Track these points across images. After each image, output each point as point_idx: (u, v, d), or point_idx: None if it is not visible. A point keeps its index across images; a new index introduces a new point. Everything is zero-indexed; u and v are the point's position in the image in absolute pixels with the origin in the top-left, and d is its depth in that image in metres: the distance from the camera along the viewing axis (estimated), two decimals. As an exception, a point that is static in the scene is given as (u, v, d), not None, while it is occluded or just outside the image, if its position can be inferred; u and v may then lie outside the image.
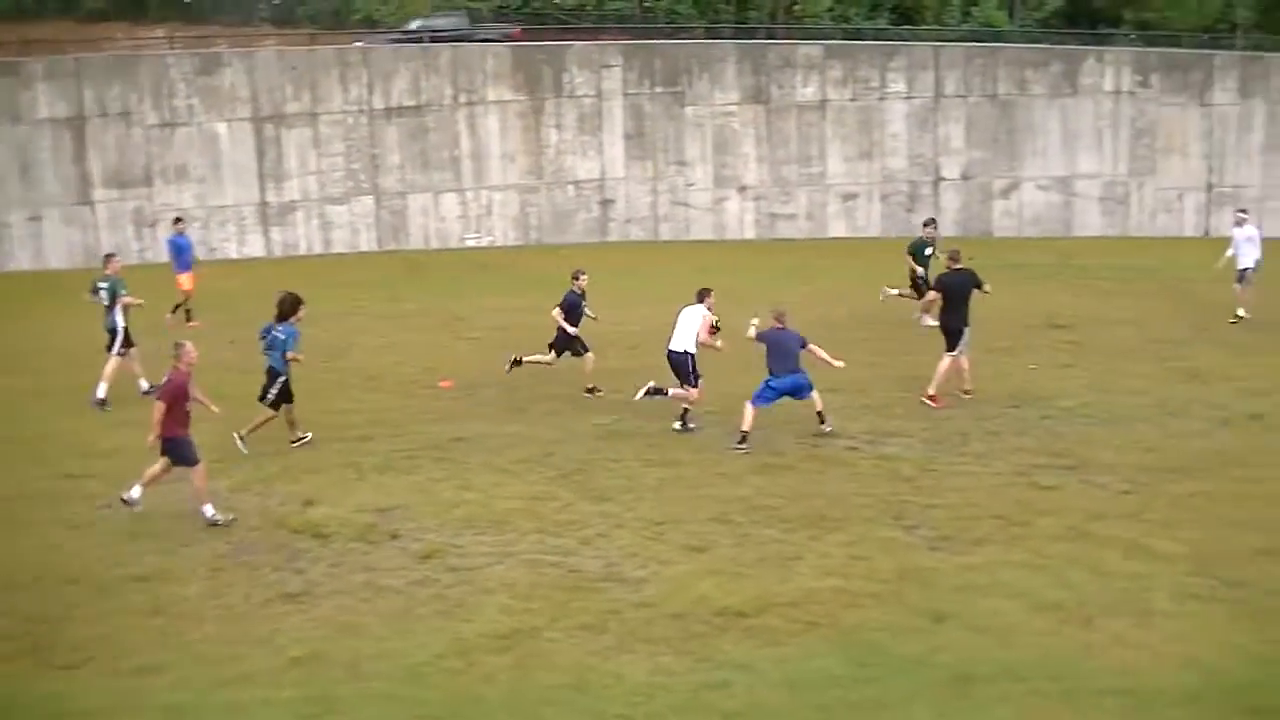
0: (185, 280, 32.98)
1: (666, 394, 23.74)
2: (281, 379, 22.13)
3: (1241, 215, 34.42)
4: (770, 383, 22.61)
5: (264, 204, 45.52)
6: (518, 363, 26.34)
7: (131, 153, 43.96)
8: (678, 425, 23.56)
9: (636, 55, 49.20)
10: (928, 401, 24.86)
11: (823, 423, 22.74)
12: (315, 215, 46.15)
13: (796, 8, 64.31)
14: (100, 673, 14.37)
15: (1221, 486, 20.23)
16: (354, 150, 46.33)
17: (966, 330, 25.14)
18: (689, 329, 23.46)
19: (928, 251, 31.64)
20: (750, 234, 49.87)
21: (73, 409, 25.10)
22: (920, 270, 31.48)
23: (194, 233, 35.51)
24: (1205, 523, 18.67)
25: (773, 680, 14.05)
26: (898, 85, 50.35)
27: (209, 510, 18.60)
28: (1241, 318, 32.47)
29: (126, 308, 25.93)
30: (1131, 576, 16.78)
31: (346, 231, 46.60)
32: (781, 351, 22.64)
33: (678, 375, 23.64)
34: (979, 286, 25.29)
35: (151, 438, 18.62)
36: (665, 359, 23.78)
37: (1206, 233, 51.43)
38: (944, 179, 50.91)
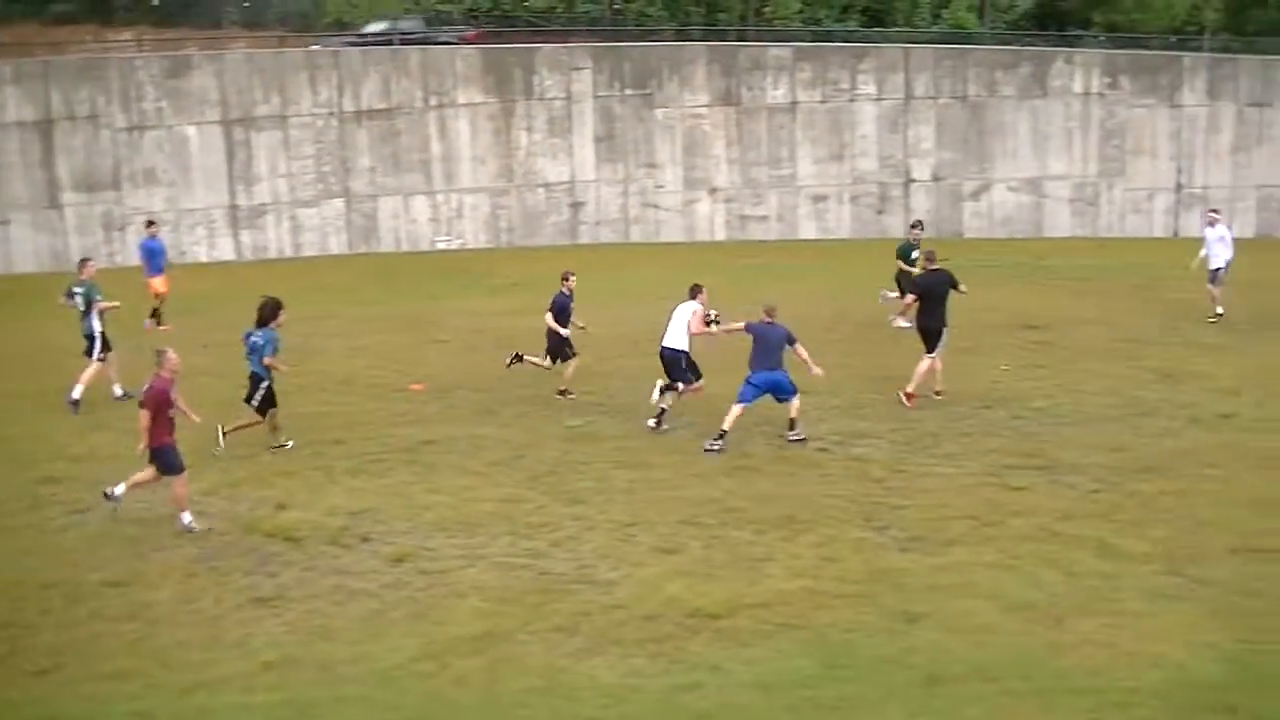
0: (159, 284, 32.88)
1: (679, 390, 23.85)
2: (264, 384, 22.10)
3: (1213, 215, 34.62)
4: (750, 379, 22.64)
5: (234, 207, 45.40)
6: (519, 358, 26.39)
7: (100, 156, 43.79)
8: (652, 423, 23.62)
9: (606, 58, 49.22)
10: (904, 399, 24.95)
11: (792, 428, 22.72)
12: (286, 218, 46.06)
13: (766, 10, 64.43)
14: (72, 678, 14.29)
15: (1192, 486, 20.30)
16: (324, 153, 46.25)
17: (945, 331, 25.23)
18: (681, 326, 23.60)
19: (914, 255, 31.69)
20: (721, 236, 49.92)
21: (44, 413, 24.98)
22: (914, 272, 31.49)
23: (164, 236, 35.32)
24: (1175, 522, 18.74)
25: (744, 681, 14.06)
26: (868, 87, 50.45)
27: (186, 517, 18.52)
28: (1221, 315, 32.65)
29: (103, 313, 25.83)
30: (1102, 576, 16.83)
31: (317, 234, 46.51)
32: (765, 346, 22.66)
33: (669, 372, 23.74)
34: (956, 287, 25.39)
35: (141, 446, 18.55)
36: (658, 357, 23.94)
37: (1176, 233, 51.76)
38: (914, 180, 51.04)
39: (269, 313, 22.11)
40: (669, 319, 23.86)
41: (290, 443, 22.42)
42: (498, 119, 47.95)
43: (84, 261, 27.09)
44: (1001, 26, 67.02)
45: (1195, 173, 52.41)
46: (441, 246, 47.47)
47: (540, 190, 48.63)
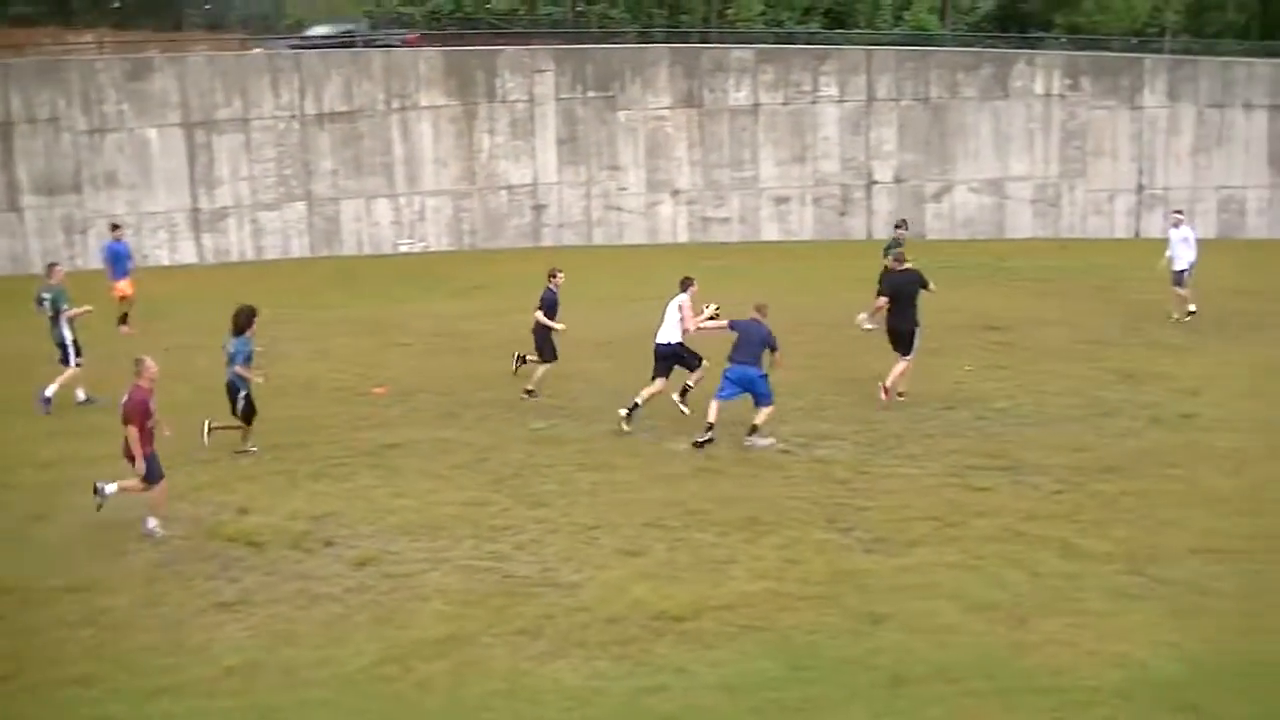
0: (124, 287, 32.72)
1: (691, 384, 24.05)
2: (241, 393, 22.06)
3: (1177, 216, 34.82)
4: (727, 372, 22.76)
5: (195, 210, 45.18)
6: (523, 360, 26.61)
7: (60, 159, 43.50)
8: (677, 396, 23.86)
9: (569, 60, 49.17)
10: (883, 394, 25.08)
11: (752, 433, 22.69)
12: (247, 221, 45.85)
13: (729, 12, 64.57)
14: (32, 684, 14.21)
15: (1153, 486, 20.39)
16: (286, 156, 46.07)
17: (917, 332, 25.32)
18: (674, 320, 23.80)
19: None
20: (683, 238, 49.90)
21: (5, 416, 24.86)
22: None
23: (126, 239, 35.11)
24: (1137, 522, 18.81)
25: (708, 683, 14.06)
26: (830, 89, 50.52)
27: (152, 522, 18.41)
28: (1194, 312, 32.85)
29: (72, 320, 25.70)
30: (1065, 576, 16.89)
31: (279, 238, 46.33)
32: (746, 341, 22.74)
33: (664, 365, 23.94)
34: (926, 286, 25.51)
35: (139, 464, 18.44)
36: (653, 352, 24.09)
37: (1137, 234, 52.01)
38: (876, 182, 51.14)
39: (244, 321, 22.04)
40: (663, 315, 24.07)
41: (255, 449, 22.33)
42: (460, 121, 47.86)
43: (51, 266, 26.92)
44: (963, 28, 67.30)
45: (1156, 174, 52.67)
46: (404, 249, 47.35)
47: (503, 193, 48.54)
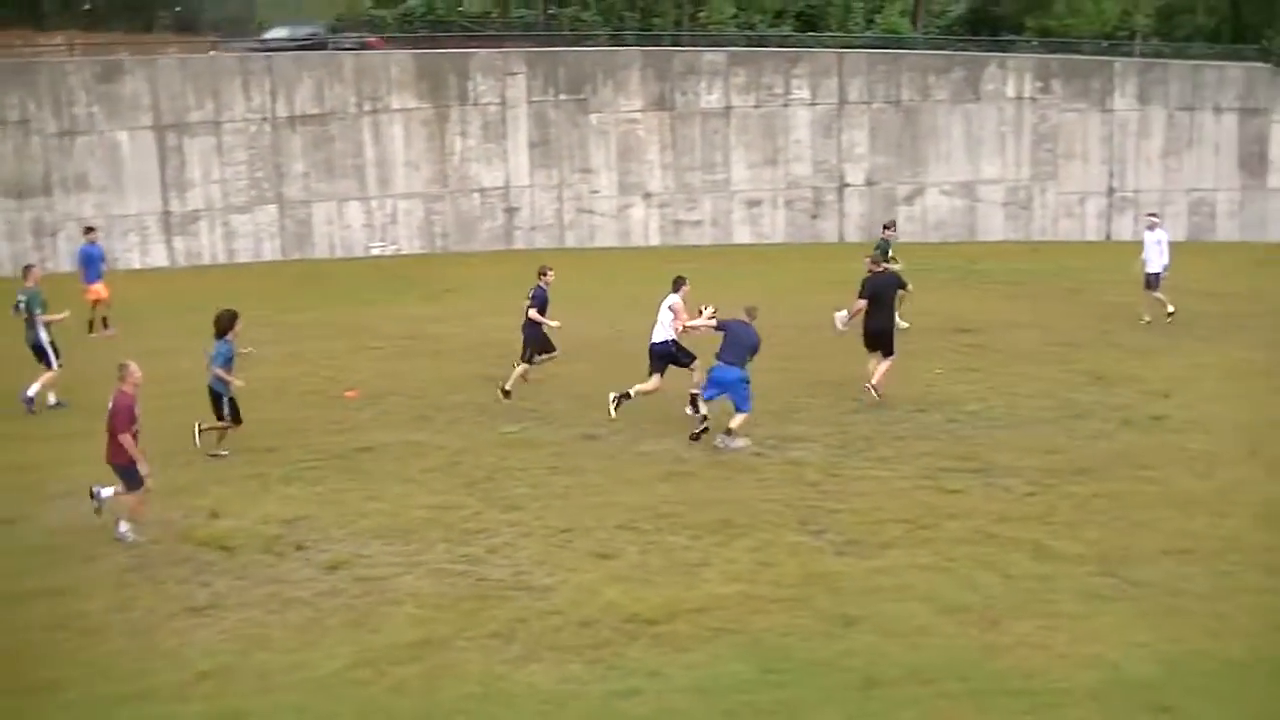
0: (98, 290, 32.60)
1: (630, 396, 24.15)
2: (224, 398, 22.04)
3: (1152, 219, 34.93)
4: (712, 371, 22.85)
5: (167, 213, 45.07)
6: (529, 363, 26.56)
7: (30, 161, 43.37)
8: (689, 410, 23.83)
9: (541, 63, 49.17)
10: (874, 393, 25.26)
11: (728, 433, 22.71)
12: (219, 224, 45.75)
13: (701, 15, 64.55)
14: (2, 690, 14.15)
15: (1125, 487, 20.45)
16: (257, 159, 45.98)
17: (894, 332, 25.66)
18: (667, 320, 24.01)
19: (889, 254, 31.84)
20: (655, 241, 49.93)
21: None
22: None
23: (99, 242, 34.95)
24: (1109, 524, 18.87)
25: (682, 686, 14.06)
26: (801, 92, 50.60)
27: (124, 527, 18.31)
28: (1172, 314, 33.00)
29: (48, 325, 25.64)
30: (1037, 578, 16.92)
31: (250, 241, 46.22)
32: (733, 342, 22.80)
33: (658, 364, 24.14)
34: (904, 287, 25.72)
35: (145, 468, 18.32)
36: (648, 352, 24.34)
37: (1108, 236, 52.22)
38: (848, 185, 51.22)
39: (225, 324, 22.06)
40: (657, 314, 24.24)
41: (226, 453, 22.28)
42: (432, 124, 47.82)
43: (28, 268, 26.92)
44: (935, 31, 67.38)
45: (1127, 176, 52.86)
46: (376, 252, 47.30)
47: (475, 196, 48.50)
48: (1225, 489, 20.45)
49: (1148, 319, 33.19)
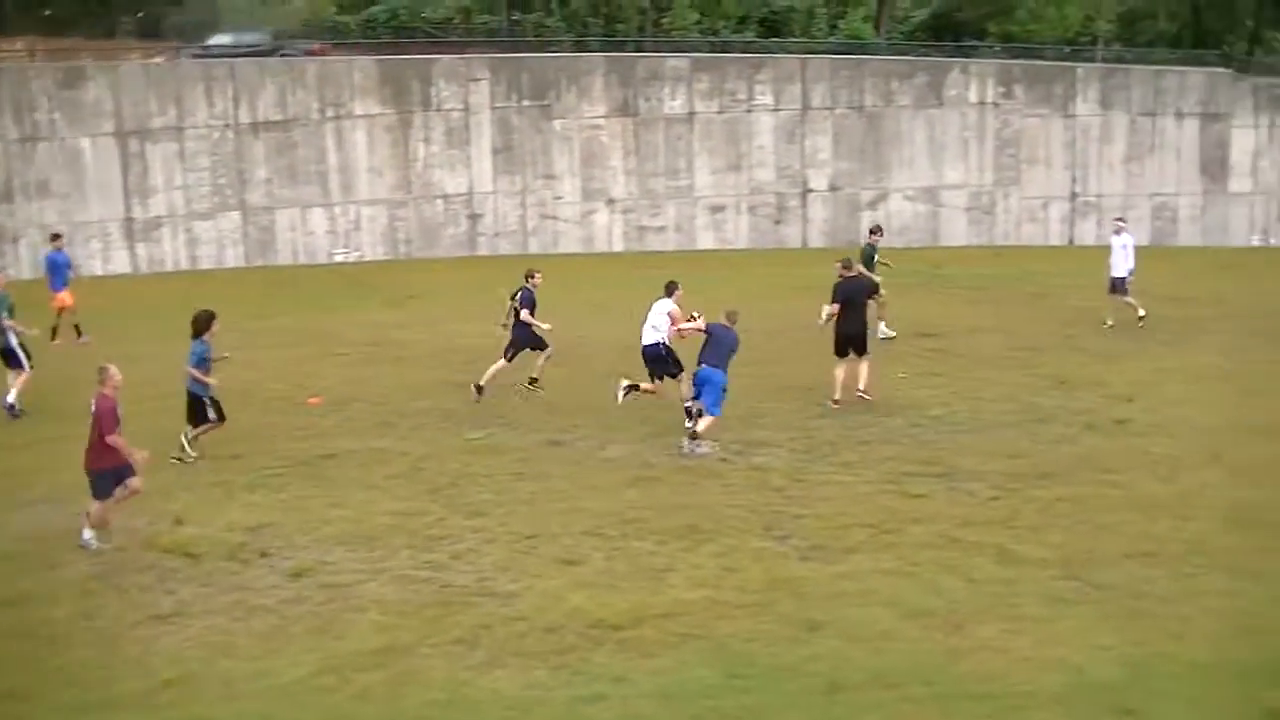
0: (64, 297, 32.47)
1: (639, 389, 24.37)
2: (203, 400, 22.01)
3: (1119, 224, 35.12)
4: (696, 373, 23.10)
5: (129, 220, 44.88)
6: (533, 381, 26.71)
7: (-9, 168, 43.24)
8: (689, 423, 23.62)
9: (504, 69, 49.12)
10: (867, 396, 25.49)
11: (694, 438, 22.75)
12: (182, 231, 45.57)
13: (664, 21, 64.56)
14: (-36, 698, 14.13)
15: (1088, 491, 20.53)
16: (220, 165, 45.81)
17: (867, 335, 25.94)
18: (659, 324, 24.17)
19: (875, 259, 31.90)
20: (619, 247, 49.90)
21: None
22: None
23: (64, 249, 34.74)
24: (1072, 527, 18.94)
25: (647, 692, 14.05)
26: (765, 98, 50.64)
27: (88, 534, 18.19)
28: (1143, 317, 33.17)
29: (11, 329, 25.56)
30: (1000, 582, 16.97)
31: (213, 247, 46.05)
32: (717, 344, 23.03)
33: (653, 368, 24.33)
34: (876, 291, 25.93)
35: (138, 456, 18.26)
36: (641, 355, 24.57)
37: (1071, 241, 52.35)
38: (812, 191, 51.27)
39: (202, 324, 22.12)
40: (646, 317, 24.41)
41: (194, 457, 22.19)
42: (395, 130, 47.75)
43: None
44: (898, 37, 67.50)
45: (1089, 181, 53.01)
46: (339, 259, 47.20)
47: (438, 202, 48.44)
48: (1188, 492, 20.55)
49: (1111, 323, 33.34)
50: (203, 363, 21.96)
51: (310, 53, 50.91)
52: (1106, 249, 34.69)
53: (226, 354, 22.79)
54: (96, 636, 15.61)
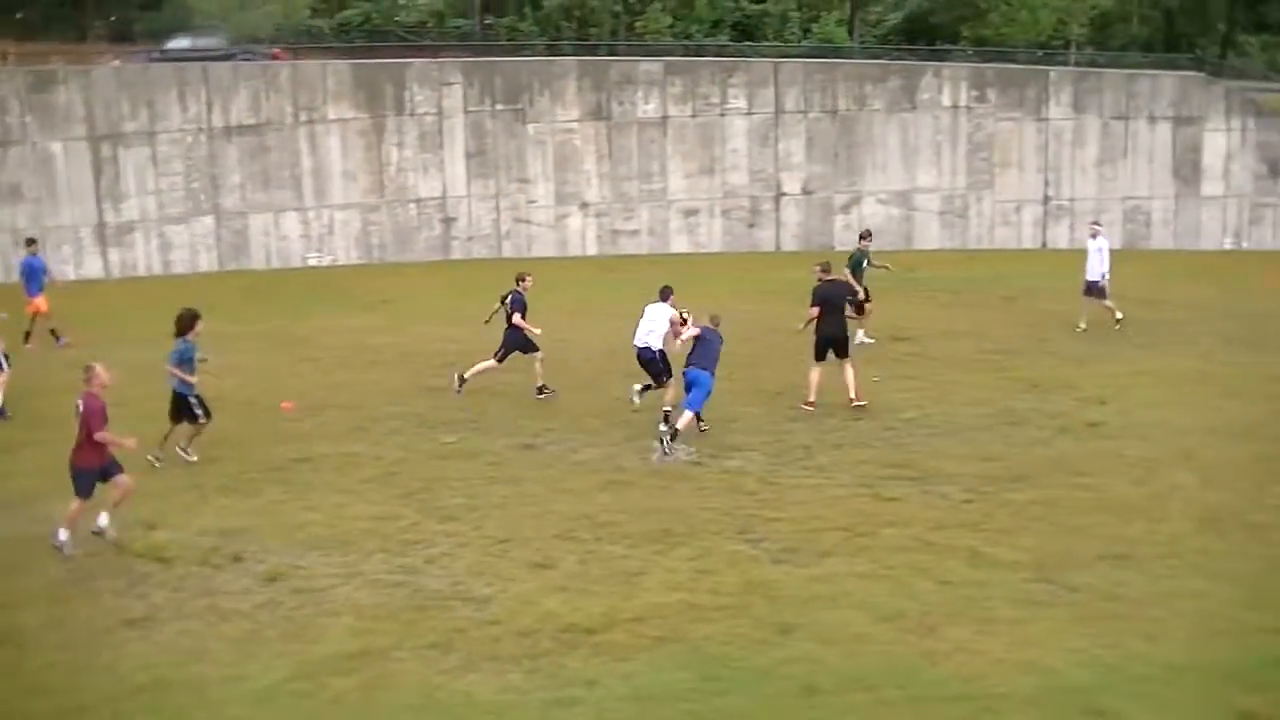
0: (40, 302, 32.35)
1: (651, 387, 24.66)
2: (189, 399, 21.96)
3: (1095, 227, 35.21)
4: (685, 374, 23.29)
5: (101, 224, 44.72)
6: (541, 389, 26.69)
7: (-38, 173, 43.07)
8: (663, 426, 23.58)
9: (477, 73, 49.10)
10: (859, 403, 25.61)
11: (672, 439, 22.78)
12: (155, 235, 45.41)
13: (638, 25, 64.63)
14: (-66, 704, 14.07)
15: (1061, 494, 20.59)
16: (193, 169, 45.69)
17: (849, 337, 26.25)
18: (655, 328, 24.23)
19: (864, 264, 31.91)
20: (593, 250, 49.88)
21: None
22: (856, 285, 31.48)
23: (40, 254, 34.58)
24: (1045, 530, 18.99)
25: (621, 695, 14.05)
26: (738, 101, 50.67)
27: (63, 534, 18.10)
28: (1120, 320, 33.28)
29: None
30: (974, 584, 17.00)
31: (186, 252, 45.92)
32: (706, 346, 23.36)
33: (648, 371, 24.44)
34: (854, 295, 26.07)
35: (128, 443, 18.25)
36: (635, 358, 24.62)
37: (1044, 244, 52.44)
38: (785, 194, 51.29)
39: (186, 323, 22.08)
40: (640, 320, 24.48)
41: (161, 461, 22.11)
42: (369, 134, 47.68)
43: None
44: (871, 41, 67.68)
45: (1062, 185, 53.08)
46: (313, 263, 47.10)
47: (412, 206, 48.39)
48: (1161, 495, 20.61)
49: (1083, 326, 33.39)
50: (185, 362, 21.91)
51: (272, 58, 50.79)
52: (1080, 252, 34.81)
53: (204, 357, 22.71)
54: (68, 641, 15.54)
